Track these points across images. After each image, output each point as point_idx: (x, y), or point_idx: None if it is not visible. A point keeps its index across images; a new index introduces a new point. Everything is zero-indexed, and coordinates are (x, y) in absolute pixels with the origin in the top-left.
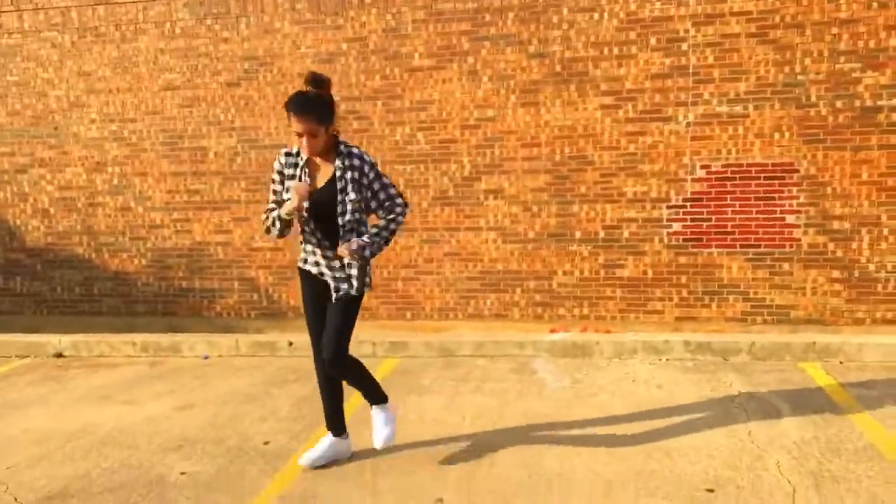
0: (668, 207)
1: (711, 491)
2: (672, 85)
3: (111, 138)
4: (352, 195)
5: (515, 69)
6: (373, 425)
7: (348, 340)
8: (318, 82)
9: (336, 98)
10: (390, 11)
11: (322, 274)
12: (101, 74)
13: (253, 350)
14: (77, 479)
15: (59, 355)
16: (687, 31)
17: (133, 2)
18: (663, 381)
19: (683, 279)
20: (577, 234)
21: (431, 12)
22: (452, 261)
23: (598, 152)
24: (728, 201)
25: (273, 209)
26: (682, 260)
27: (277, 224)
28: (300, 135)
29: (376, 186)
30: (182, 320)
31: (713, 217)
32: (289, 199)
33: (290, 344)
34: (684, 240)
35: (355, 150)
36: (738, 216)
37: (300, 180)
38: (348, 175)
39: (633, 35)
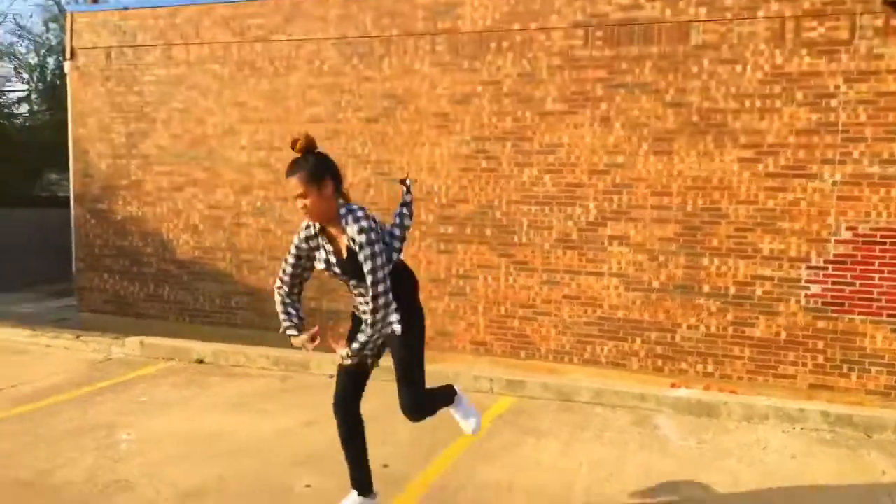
0: (808, 268)
1: None
2: (818, 141)
3: (258, 164)
4: (366, 265)
5: (650, 117)
6: (458, 420)
7: (422, 373)
8: (308, 142)
9: (468, 137)
10: (526, 57)
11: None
12: (254, 105)
13: (378, 374)
14: (213, 479)
15: (201, 361)
16: (837, 87)
17: (288, 40)
18: (797, 452)
19: (820, 345)
20: (706, 288)
21: (567, 59)
22: (571, 304)
23: (733, 205)
24: (876, 266)
25: (284, 296)
26: (821, 324)
27: (283, 325)
28: (295, 198)
29: (365, 257)
30: None
31: (857, 282)
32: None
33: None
34: (824, 303)
35: (357, 213)
36: (885, 283)
37: (318, 251)
38: (353, 244)
39: (777, 89)
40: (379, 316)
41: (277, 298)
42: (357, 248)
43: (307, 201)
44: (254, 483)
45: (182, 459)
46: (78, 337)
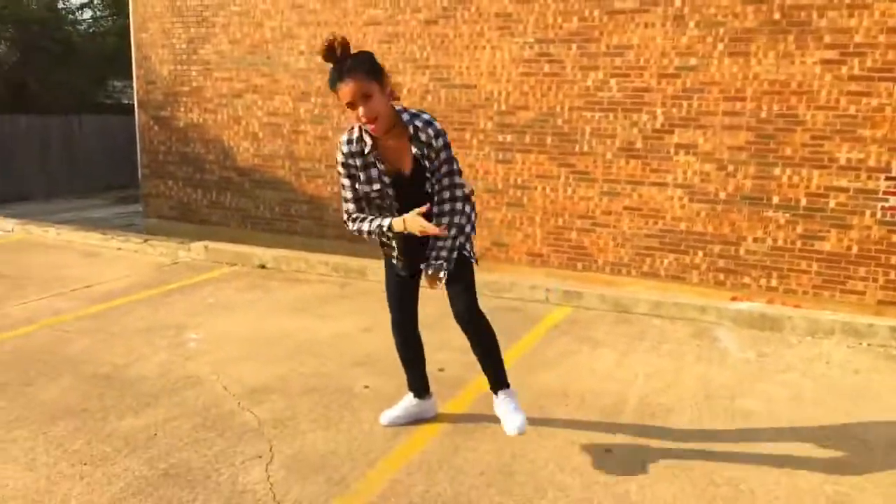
0: (888, 179)
1: None
2: None
3: (316, 70)
4: (444, 169)
5: (727, 15)
6: (501, 413)
7: (476, 297)
8: (344, 47)
9: (531, 39)
10: None
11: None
12: (312, 7)
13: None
14: (276, 378)
15: (263, 266)
16: None
17: None
18: (862, 367)
19: (894, 260)
20: (775, 200)
21: None
22: (632, 215)
23: (811, 111)
24: None
25: (357, 212)
26: (895, 238)
27: (378, 236)
28: (353, 106)
29: (442, 161)
30: (366, 246)
31: None
32: (374, 192)
33: None
34: None
35: (425, 116)
36: None
37: (368, 170)
38: (427, 150)
39: None
40: (463, 220)
41: (355, 226)
42: (434, 154)
43: (373, 103)
44: (316, 382)
45: (247, 358)
46: (146, 241)
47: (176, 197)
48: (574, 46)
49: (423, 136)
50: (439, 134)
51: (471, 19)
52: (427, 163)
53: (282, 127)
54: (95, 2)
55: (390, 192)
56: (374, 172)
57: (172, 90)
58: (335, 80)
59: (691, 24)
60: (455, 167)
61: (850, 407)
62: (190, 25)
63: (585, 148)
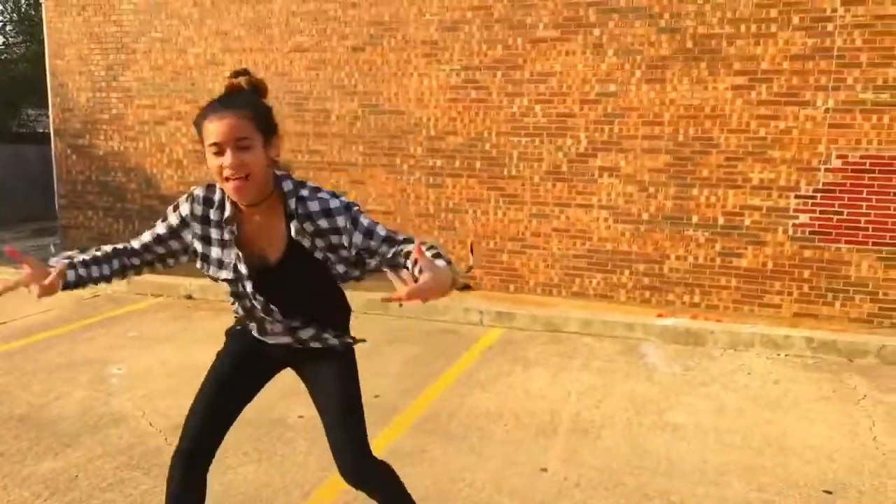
0: (797, 197)
1: (829, 493)
2: (813, 67)
3: None
4: (339, 264)
5: (644, 43)
6: None
7: (364, 426)
8: (256, 86)
9: (456, 67)
10: None
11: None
12: (237, 34)
13: (366, 308)
14: None
15: (189, 297)
16: (835, 10)
17: None
18: (781, 377)
19: (806, 274)
20: (695, 219)
21: None
22: (560, 237)
23: (724, 134)
24: (864, 195)
25: (110, 248)
26: (807, 253)
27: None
28: (219, 151)
29: (358, 237)
30: None
31: (845, 211)
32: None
33: (401, 306)
34: (811, 232)
35: (316, 192)
36: (873, 211)
37: (212, 247)
38: (318, 237)
39: (773, 13)
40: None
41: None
42: (340, 239)
43: (248, 157)
44: (247, 414)
45: (173, 393)
46: None
47: (96, 227)
48: (499, 74)
49: (312, 213)
50: (344, 209)
51: (398, 46)
52: (320, 251)
53: None
54: (8, 28)
55: (247, 285)
56: (228, 254)
57: (91, 118)
58: (210, 111)
59: (610, 51)
60: (377, 226)
61: (770, 416)
62: (109, 52)
63: (514, 171)
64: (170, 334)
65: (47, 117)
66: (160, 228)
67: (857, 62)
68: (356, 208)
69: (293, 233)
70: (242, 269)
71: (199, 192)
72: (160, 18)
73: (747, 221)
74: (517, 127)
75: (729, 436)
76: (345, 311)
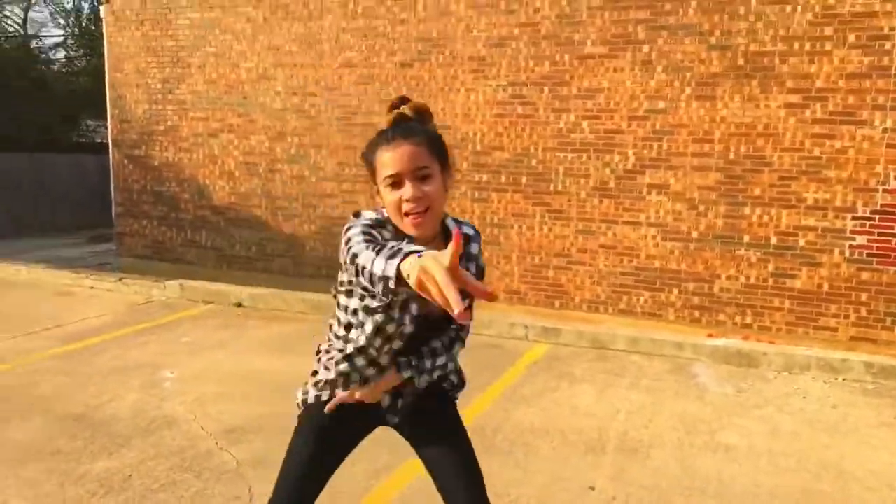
0: (854, 218)
1: None
2: (870, 86)
3: (293, 110)
4: None
5: (693, 60)
6: None
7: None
8: (420, 112)
9: (504, 82)
10: None
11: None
12: (288, 49)
13: None
14: (255, 418)
15: (239, 305)
16: (893, 28)
17: None
18: (838, 402)
19: (864, 297)
20: (746, 238)
21: None
22: (607, 254)
23: (777, 153)
24: None
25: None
26: (864, 276)
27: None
28: (397, 183)
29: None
30: None
31: None
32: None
33: None
34: (868, 255)
35: (470, 229)
36: None
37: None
38: (471, 262)
39: (828, 31)
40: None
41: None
42: (476, 266)
43: (428, 188)
44: (292, 420)
45: (224, 398)
46: (120, 280)
47: (150, 235)
48: (546, 89)
49: (473, 251)
50: (480, 249)
51: (445, 62)
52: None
53: (258, 166)
54: (69, 42)
55: (412, 308)
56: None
57: (147, 129)
58: (382, 142)
59: (659, 68)
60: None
61: (827, 440)
62: (165, 65)
63: (560, 187)
64: (221, 341)
65: (105, 128)
66: (364, 241)
67: None
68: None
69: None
70: (410, 313)
71: (368, 215)
72: (214, 34)
73: (802, 242)
74: (564, 143)
75: (784, 459)
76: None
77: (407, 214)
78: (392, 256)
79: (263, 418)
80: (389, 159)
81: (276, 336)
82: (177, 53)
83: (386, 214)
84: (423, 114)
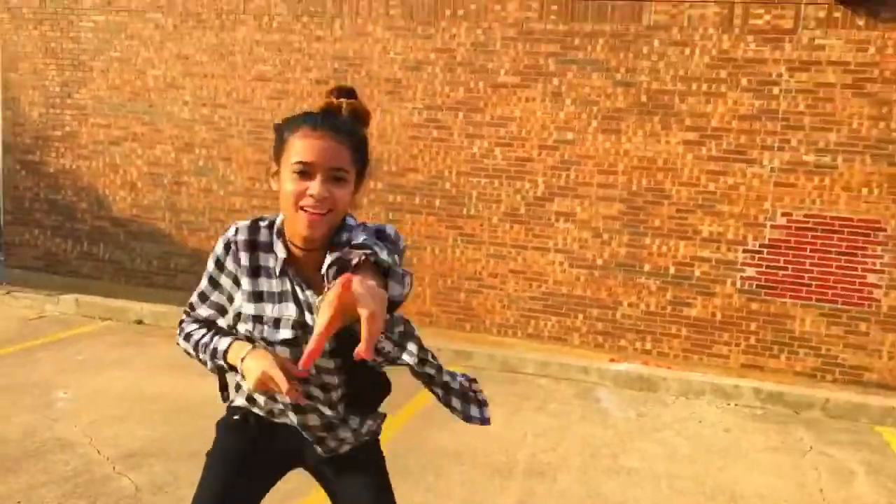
0: (744, 251)
1: None
2: (759, 128)
3: (201, 121)
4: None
5: (600, 95)
6: None
7: None
8: (357, 114)
9: (419, 106)
10: (481, 26)
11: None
12: (198, 59)
13: None
14: (155, 440)
15: (140, 322)
16: (780, 74)
17: None
18: (731, 426)
19: (753, 326)
20: (647, 267)
21: (521, 31)
22: (517, 278)
23: (676, 187)
24: (807, 252)
25: (206, 333)
26: (754, 306)
27: (214, 366)
28: (306, 174)
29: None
30: None
31: (790, 266)
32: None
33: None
34: (758, 286)
35: (362, 233)
36: (816, 269)
37: (286, 310)
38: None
39: (723, 74)
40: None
41: (196, 338)
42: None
43: (339, 192)
44: (199, 444)
45: (122, 419)
46: (8, 293)
47: (43, 246)
48: (461, 115)
49: (358, 238)
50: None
51: (361, 82)
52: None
53: (163, 177)
54: None
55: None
56: (286, 308)
57: (43, 134)
58: (305, 126)
59: (568, 100)
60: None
61: (721, 463)
62: (65, 68)
63: (473, 211)
64: (120, 359)
65: None
66: (206, 286)
67: (800, 125)
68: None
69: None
70: (307, 315)
71: (239, 236)
72: (120, 38)
73: (697, 272)
74: (477, 168)
75: (681, 482)
76: (386, 387)
77: (301, 209)
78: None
79: (164, 441)
80: (307, 147)
81: (177, 355)
82: (78, 56)
83: (267, 220)
84: (360, 117)
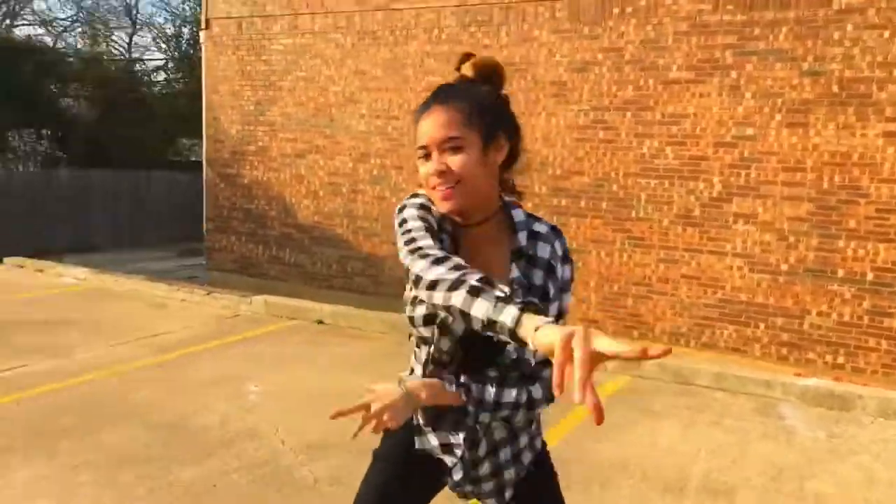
0: None
1: None
2: None
3: (376, 132)
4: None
5: (784, 87)
6: None
7: None
8: (484, 70)
9: (585, 107)
10: (651, 22)
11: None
12: (374, 74)
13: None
14: (335, 435)
15: (320, 322)
16: None
17: (408, 8)
18: None
19: None
20: (840, 273)
21: (695, 24)
22: (690, 284)
23: (875, 184)
24: None
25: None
26: None
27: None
28: (426, 155)
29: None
30: None
31: None
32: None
33: None
34: None
35: (543, 226)
36: None
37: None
38: (538, 269)
39: None
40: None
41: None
42: (547, 274)
43: (456, 160)
44: (375, 440)
45: (306, 413)
46: (209, 294)
47: (238, 251)
48: (629, 114)
49: (542, 253)
50: (566, 250)
51: (526, 87)
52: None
53: (341, 186)
54: (169, 65)
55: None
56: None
57: (239, 149)
58: (421, 108)
59: (747, 94)
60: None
61: None
62: (258, 88)
63: (641, 214)
64: (305, 357)
65: (199, 147)
66: (416, 222)
67: None
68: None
69: (514, 272)
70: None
71: (420, 198)
72: (305, 59)
73: None
74: (647, 168)
75: None
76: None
77: (434, 189)
78: (482, 291)
79: (343, 436)
80: (420, 131)
81: (357, 354)
82: (269, 77)
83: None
84: (489, 73)
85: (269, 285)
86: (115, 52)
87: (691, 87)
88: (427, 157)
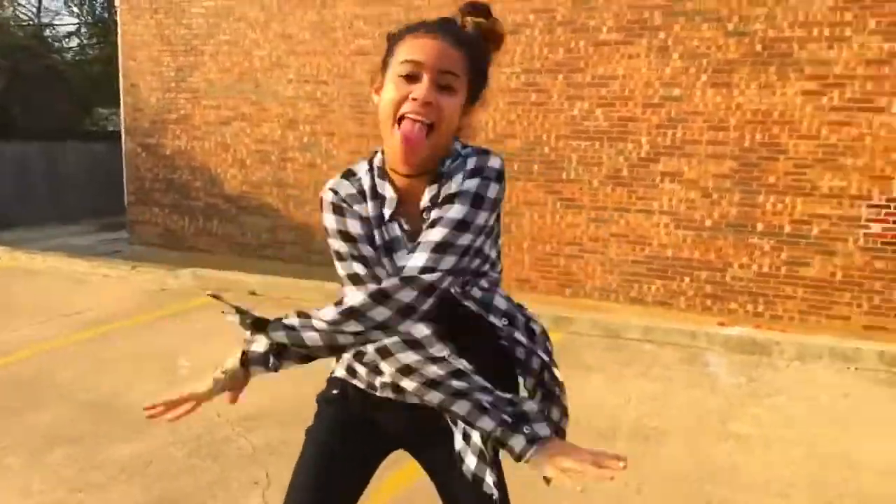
0: (869, 206)
1: None
2: (890, 73)
3: (305, 98)
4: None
5: (711, 47)
6: None
7: None
8: (486, 34)
9: (517, 70)
10: None
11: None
12: (301, 37)
13: None
14: (271, 405)
15: (252, 293)
16: None
17: None
18: (851, 391)
19: (878, 285)
20: (760, 227)
21: None
22: (619, 242)
23: (793, 140)
24: None
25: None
26: (879, 264)
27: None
28: (413, 74)
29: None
30: None
31: None
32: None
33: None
34: (883, 243)
35: (476, 160)
36: None
37: (393, 243)
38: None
39: (848, 16)
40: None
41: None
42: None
43: (445, 101)
44: (306, 410)
45: None
46: (133, 268)
47: (162, 224)
48: (560, 77)
49: (458, 185)
50: (478, 167)
51: None
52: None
53: (270, 154)
54: (82, 30)
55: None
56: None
57: (160, 117)
58: (418, 28)
59: (675, 55)
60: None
61: (839, 430)
62: (178, 54)
63: (572, 175)
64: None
65: (118, 116)
66: (342, 246)
67: None
68: (490, 189)
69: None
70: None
71: (337, 195)
72: (228, 21)
73: (816, 230)
74: (577, 130)
75: (795, 448)
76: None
77: (402, 119)
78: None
79: (278, 405)
80: (417, 45)
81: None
82: (190, 42)
83: (362, 163)
84: (487, 37)
85: (197, 258)
86: (23, 16)
87: (621, 49)
88: (410, 78)
